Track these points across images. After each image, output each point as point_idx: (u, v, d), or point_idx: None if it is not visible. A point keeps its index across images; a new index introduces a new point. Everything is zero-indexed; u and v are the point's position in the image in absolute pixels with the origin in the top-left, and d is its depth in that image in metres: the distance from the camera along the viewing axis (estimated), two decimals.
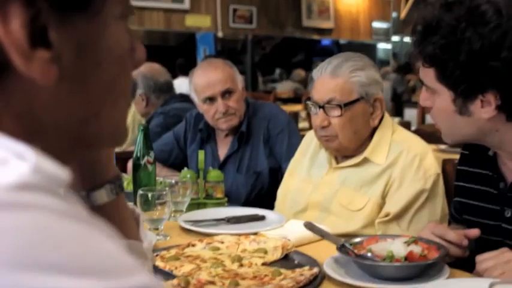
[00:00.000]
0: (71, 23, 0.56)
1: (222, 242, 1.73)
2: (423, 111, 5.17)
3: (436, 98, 1.50)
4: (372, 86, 2.05)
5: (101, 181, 0.89)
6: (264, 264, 1.58)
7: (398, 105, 7.81)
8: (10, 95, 0.55)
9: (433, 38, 1.42)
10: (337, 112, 2.02)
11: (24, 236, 0.45)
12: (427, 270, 1.45)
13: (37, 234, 0.45)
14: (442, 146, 3.82)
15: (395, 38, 10.23)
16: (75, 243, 0.48)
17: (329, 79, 2.04)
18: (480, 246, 1.56)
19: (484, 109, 1.43)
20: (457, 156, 3.11)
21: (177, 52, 8.48)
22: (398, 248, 1.45)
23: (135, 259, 0.53)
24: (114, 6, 0.62)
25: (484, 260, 1.40)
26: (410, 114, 6.23)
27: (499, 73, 1.37)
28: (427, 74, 1.50)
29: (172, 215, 2.09)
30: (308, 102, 2.11)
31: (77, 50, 0.57)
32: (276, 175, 2.70)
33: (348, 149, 2.09)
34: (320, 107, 2.05)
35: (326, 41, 10.71)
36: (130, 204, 1.00)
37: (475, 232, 1.55)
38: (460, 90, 1.43)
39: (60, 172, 0.52)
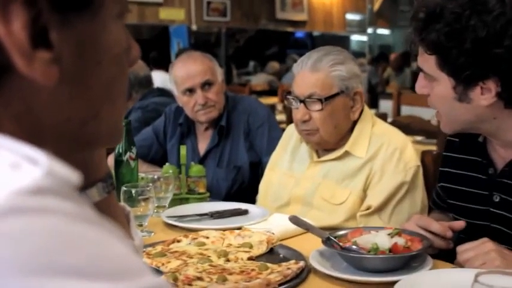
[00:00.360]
0: (71, 23, 0.56)
1: (207, 237, 1.74)
2: (398, 103, 5.22)
3: (435, 85, 1.53)
4: (352, 80, 2.07)
5: (93, 179, 0.89)
6: (249, 258, 1.60)
7: (373, 96, 7.87)
8: (11, 96, 0.56)
9: (436, 25, 1.45)
10: (317, 106, 2.04)
11: (40, 240, 0.45)
12: (410, 262, 1.47)
13: (52, 238, 0.46)
14: (418, 138, 3.87)
15: (369, 30, 10.29)
16: (90, 246, 0.48)
17: (309, 73, 2.06)
18: (467, 230, 1.60)
19: (484, 96, 1.46)
20: (433, 148, 3.19)
21: (150, 45, 8.41)
22: (382, 240, 1.48)
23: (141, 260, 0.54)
24: (112, 6, 0.62)
25: (465, 250, 1.43)
26: (386, 105, 6.28)
27: (501, 60, 1.40)
28: (427, 61, 1.52)
29: (155, 210, 2.08)
30: (289, 96, 2.13)
31: (77, 50, 0.58)
32: (257, 169, 2.71)
33: (329, 143, 2.11)
34: (301, 101, 2.06)
35: (300, 34, 10.73)
36: (121, 203, 1.00)
37: (460, 224, 1.58)
38: (462, 78, 1.45)
39: (72, 175, 0.52)
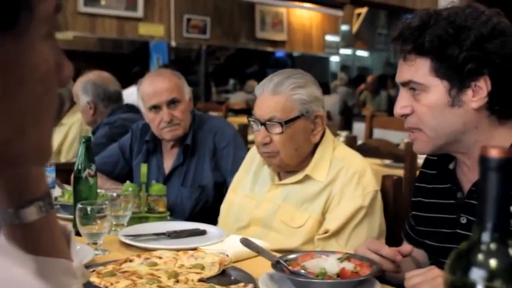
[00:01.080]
0: None
1: (160, 258, 1.73)
2: (371, 125, 5.26)
3: (423, 96, 1.55)
4: (312, 103, 2.08)
5: (30, 198, 0.88)
6: (200, 280, 1.59)
7: (347, 118, 7.93)
8: None
9: (432, 28, 1.50)
10: (278, 129, 2.05)
11: None
12: (358, 287, 1.48)
13: None
14: (387, 161, 3.90)
15: (346, 51, 10.38)
16: None
17: (270, 96, 2.07)
18: (436, 253, 1.63)
19: (475, 98, 1.50)
20: (400, 172, 3.21)
21: (130, 60, 8.43)
22: (331, 264, 1.48)
23: (45, 283, 0.53)
24: (40, 26, 0.62)
25: (413, 276, 1.45)
26: (359, 127, 6.33)
27: (495, 54, 1.47)
28: (419, 69, 1.55)
29: (113, 228, 2.07)
30: (250, 119, 2.14)
31: (0, 69, 0.58)
32: (221, 189, 2.71)
33: (290, 165, 2.12)
34: (262, 124, 2.08)
35: (280, 53, 10.81)
36: (63, 222, 1.00)
37: (407, 249, 1.61)
38: (457, 77, 1.49)
39: None
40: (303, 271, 1.49)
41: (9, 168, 0.72)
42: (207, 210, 2.70)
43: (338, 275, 1.46)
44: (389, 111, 9.00)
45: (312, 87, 2.11)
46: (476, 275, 0.71)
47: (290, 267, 1.52)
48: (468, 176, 1.64)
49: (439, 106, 1.54)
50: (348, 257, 1.53)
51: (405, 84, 1.60)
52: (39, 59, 0.63)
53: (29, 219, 0.88)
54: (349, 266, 1.48)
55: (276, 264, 1.53)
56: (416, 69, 1.55)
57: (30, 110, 0.63)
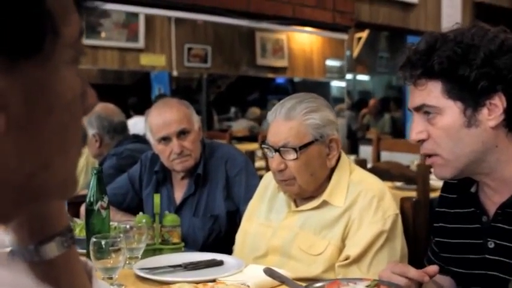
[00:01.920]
0: (20, 68, 0.53)
1: None
2: (378, 148, 5.21)
3: (438, 119, 1.52)
4: (326, 127, 2.04)
5: (51, 233, 0.84)
6: None
7: (353, 142, 7.89)
8: None
9: (441, 50, 1.48)
10: (292, 155, 2.01)
11: None
12: None
13: None
14: (398, 183, 3.85)
15: (347, 76, 10.39)
16: None
17: (283, 122, 2.03)
18: (464, 281, 1.58)
19: (491, 116, 1.47)
20: (413, 194, 3.16)
21: (131, 91, 8.41)
22: None
23: None
24: (65, 51, 0.58)
25: None
26: (366, 151, 6.28)
27: (508, 70, 1.45)
28: (431, 92, 1.52)
29: (127, 262, 2.01)
30: (264, 146, 2.09)
31: (26, 97, 0.54)
32: (234, 218, 2.66)
33: (307, 191, 2.07)
34: (276, 150, 2.03)
35: (280, 80, 10.80)
36: (83, 258, 0.95)
37: (433, 269, 1.55)
38: (471, 97, 1.47)
39: (3, 238, 0.48)
40: None
41: (31, 203, 0.68)
42: (220, 240, 2.64)
43: None
44: (393, 133, 8.98)
45: (325, 110, 2.07)
46: None
47: None
48: (493, 198, 1.58)
49: (455, 128, 1.50)
50: (377, 284, 1.47)
51: (418, 109, 1.56)
52: (65, 85, 0.59)
53: (50, 256, 0.83)
54: None
55: None
56: (428, 93, 1.52)
57: (56, 141, 0.59)
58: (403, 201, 2.28)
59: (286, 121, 2.02)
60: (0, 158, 0.54)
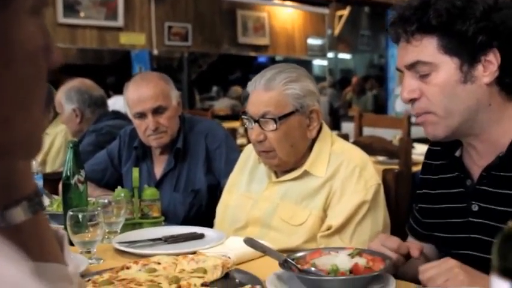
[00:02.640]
0: None
1: (159, 263, 1.64)
2: (360, 124, 5.20)
3: (433, 76, 1.48)
4: (307, 98, 2.01)
5: (17, 198, 0.79)
6: (203, 284, 1.50)
7: (335, 119, 7.88)
8: None
9: (437, 4, 1.45)
10: (272, 126, 1.97)
11: None
12: (372, 283, 1.40)
13: None
14: (380, 158, 3.84)
15: (329, 54, 10.36)
16: None
17: (263, 92, 1.99)
18: (447, 244, 1.58)
19: (486, 72, 1.45)
20: (396, 167, 3.15)
21: (111, 71, 8.31)
22: (342, 260, 1.40)
23: (41, 284, 0.46)
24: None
25: (427, 269, 1.38)
26: (348, 127, 6.27)
27: (503, 25, 1.44)
28: (425, 49, 1.48)
29: (106, 236, 1.98)
30: (243, 116, 2.05)
31: None
32: (215, 192, 2.62)
33: (288, 163, 2.04)
34: (255, 121, 1.99)
35: (262, 58, 10.74)
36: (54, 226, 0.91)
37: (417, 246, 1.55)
38: (467, 52, 1.45)
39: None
40: (313, 269, 1.40)
41: None
42: (201, 214, 2.61)
43: (351, 271, 1.38)
44: (376, 111, 8.98)
45: (305, 81, 2.03)
46: None
47: (299, 266, 1.43)
48: (478, 161, 1.57)
49: (451, 84, 1.47)
50: (359, 252, 1.45)
51: (411, 66, 1.51)
52: (25, 36, 0.56)
53: (16, 221, 0.79)
54: (361, 261, 1.40)
55: (284, 264, 1.44)
56: (423, 49, 1.49)
57: (16, 95, 0.56)
58: (385, 173, 2.26)
59: (266, 91, 1.98)
60: None
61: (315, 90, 2.07)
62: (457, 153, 1.64)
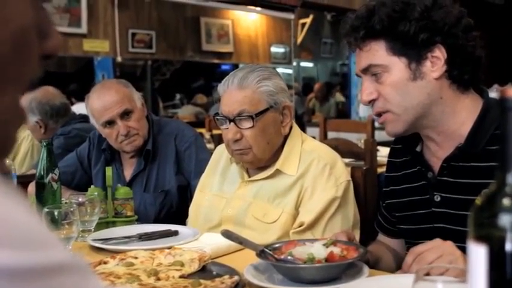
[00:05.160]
0: None
1: (136, 258, 1.65)
2: (325, 129, 5.28)
3: (387, 76, 1.58)
4: (279, 94, 2.06)
5: None
6: (181, 276, 1.53)
7: (300, 125, 7.95)
8: None
9: (380, 11, 1.56)
10: (248, 123, 2.01)
11: None
12: (347, 271, 1.45)
13: None
14: (346, 160, 3.90)
15: (294, 62, 10.45)
16: None
17: (237, 91, 2.03)
18: (413, 236, 1.65)
19: (434, 68, 1.55)
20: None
21: (74, 78, 8.23)
22: (318, 250, 1.45)
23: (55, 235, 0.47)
24: None
25: (416, 248, 1.40)
26: (313, 132, 6.35)
27: (444, 22, 1.53)
28: (376, 52, 1.59)
29: (80, 235, 1.99)
30: (218, 116, 2.08)
31: None
32: (185, 192, 2.65)
33: (262, 160, 2.08)
34: (230, 120, 2.03)
35: (226, 66, 10.77)
36: None
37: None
38: (413, 51, 1.54)
39: None
40: (290, 257, 1.45)
41: None
42: (172, 214, 2.62)
43: (326, 260, 1.42)
44: (339, 117, 9.09)
45: (276, 78, 2.09)
46: (506, 220, 0.67)
47: (276, 256, 1.47)
48: (437, 154, 1.66)
49: (402, 82, 1.57)
50: (334, 242, 1.50)
51: (365, 70, 1.62)
52: (12, 11, 0.52)
53: None
54: (336, 250, 1.45)
55: (261, 254, 1.48)
56: (374, 53, 1.59)
57: None
58: (353, 171, 2.32)
59: (240, 90, 2.02)
60: None
61: (286, 88, 2.13)
62: (418, 149, 1.72)
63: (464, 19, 1.57)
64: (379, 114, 1.64)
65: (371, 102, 1.63)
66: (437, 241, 1.41)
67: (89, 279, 0.49)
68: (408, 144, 1.74)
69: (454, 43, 1.54)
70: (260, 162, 2.08)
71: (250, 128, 2.00)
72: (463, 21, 1.56)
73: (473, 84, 1.61)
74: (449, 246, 1.38)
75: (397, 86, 1.57)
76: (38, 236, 0.45)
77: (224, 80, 2.09)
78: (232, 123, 2.03)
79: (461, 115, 1.59)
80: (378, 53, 1.58)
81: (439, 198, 1.62)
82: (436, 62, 1.54)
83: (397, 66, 1.57)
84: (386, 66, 1.57)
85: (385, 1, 1.58)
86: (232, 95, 2.04)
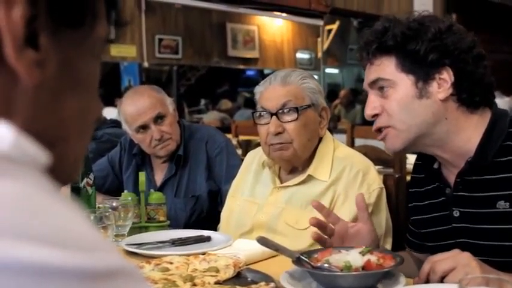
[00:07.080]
0: (61, 36, 0.54)
1: (171, 263, 1.66)
2: (352, 136, 5.26)
3: (392, 92, 1.59)
4: (318, 95, 2.10)
5: None
6: (217, 282, 1.53)
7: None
8: None
9: (394, 29, 1.58)
10: (292, 116, 2.02)
11: (5, 203, 0.42)
12: (383, 279, 1.44)
13: (18, 202, 0.43)
14: (376, 167, 3.88)
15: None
16: (54, 215, 0.45)
17: (280, 87, 2.06)
18: (437, 252, 1.60)
19: (440, 89, 1.56)
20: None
21: (100, 83, 8.31)
22: (354, 258, 1.44)
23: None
24: (96, 42, 0.59)
25: (433, 257, 1.41)
26: (340, 139, 6.33)
27: (454, 47, 1.55)
28: (386, 67, 1.60)
29: (114, 239, 2.00)
30: (259, 111, 2.09)
31: (60, 63, 0.54)
32: (216, 198, 2.66)
33: (300, 159, 2.08)
34: (273, 114, 2.04)
35: (251, 72, 10.81)
36: None
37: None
38: (421, 70, 1.56)
39: (41, 154, 0.50)
40: (326, 265, 1.44)
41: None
42: (202, 220, 2.64)
43: (363, 268, 1.42)
44: (365, 123, 9.04)
45: (315, 80, 2.15)
46: None
47: (312, 263, 1.47)
48: (452, 170, 1.66)
49: (407, 98, 1.58)
50: (370, 250, 1.49)
51: (373, 83, 1.64)
52: (90, 72, 0.59)
53: None
54: (373, 258, 1.44)
55: (297, 260, 1.48)
56: (383, 68, 1.61)
57: (78, 117, 0.58)
58: (385, 178, 2.31)
59: (284, 86, 2.06)
60: (29, 110, 0.53)
61: (322, 91, 2.16)
62: (435, 166, 1.73)
63: (477, 48, 1.58)
64: (379, 130, 1.65)
65: (374, 117, 1.65)
66: (455, 251, 1.41)
67: (143, 286, 0.51)
68: (427, 161, 1.75)
69: (462, 68, 1.55)
70: (297, 161, 2.08)
71: (293, 121, 2.02)
72: (475, 50, 1.57)
73: (484, 104, 1.61)
74: (465, 257, 1.38)
75: (402, 102, 1.58)
76: (99, 240, 0.48)
77: (264, 80, 2.14)
78: (274, 117, 2.04)
79: (467, 132, 1.59)
80: (387, 68, 1.60)
81: (458, 214, 1.63)
82: (443, 84, 1.56)
83: (403, 83, 1.58)
84: (394, 81, 1.59)
85: (402, 19, 1.61)
86: (276, 89, 2.06)
